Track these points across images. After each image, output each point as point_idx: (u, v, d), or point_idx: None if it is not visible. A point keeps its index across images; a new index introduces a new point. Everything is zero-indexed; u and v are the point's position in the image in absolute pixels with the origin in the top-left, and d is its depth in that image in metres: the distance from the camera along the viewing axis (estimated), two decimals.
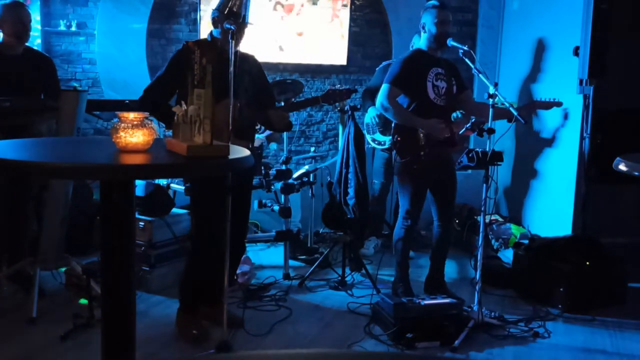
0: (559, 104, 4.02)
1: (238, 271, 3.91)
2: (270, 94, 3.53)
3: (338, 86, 3.70)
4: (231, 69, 2.81)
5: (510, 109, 3.44)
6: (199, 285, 3.31)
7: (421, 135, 3.65)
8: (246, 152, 2.07)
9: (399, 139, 3.73)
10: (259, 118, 3.37)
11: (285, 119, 3.38)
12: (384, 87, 3.68)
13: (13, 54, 3.76)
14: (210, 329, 3.27)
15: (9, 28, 3.71)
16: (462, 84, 3.89)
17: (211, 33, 3.28)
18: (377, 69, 4.94)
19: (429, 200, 3.86)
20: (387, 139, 4.72)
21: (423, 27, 3.72)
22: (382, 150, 4.83)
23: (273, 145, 4.46)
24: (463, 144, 3.63)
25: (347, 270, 4.22)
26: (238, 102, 3.14)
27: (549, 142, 4.85)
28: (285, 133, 4.74)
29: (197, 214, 3.28)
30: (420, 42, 3.77)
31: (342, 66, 5.75)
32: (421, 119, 3.64)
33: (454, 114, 3.89)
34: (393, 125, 3.77)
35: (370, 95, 4.84)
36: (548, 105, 4.03)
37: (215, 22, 3.21)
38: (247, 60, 3.33)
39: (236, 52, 2.99)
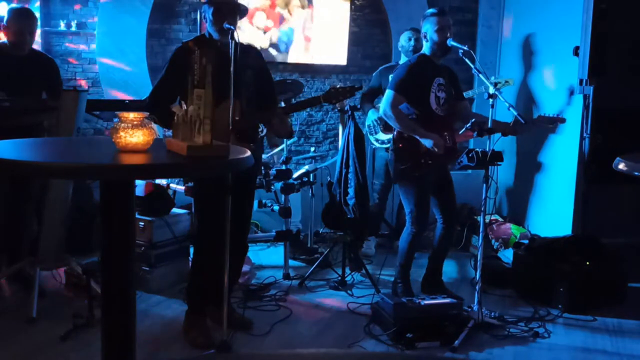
0: (562, 120, 3.99)
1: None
2: (272, 91, 3.39)
3: (340, 84, 3.62)
4: (232, 68, 2.79)
5: (511, 109, 3.44)
6: (207, 287, 3.25)
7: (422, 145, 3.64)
8: (246, 152, 2.07)
9: (400, 145, 3.72)
10: (261, 118, 3.24)
11: (286, 124, 3.23)
12: (388, 94, 3.68)
13: (19, 54, 3.76)
14: (215, 332, 3.18)
15: (11, 35, 3.71)
16: (460, 95, 3.91)
17: (208, 30, 3.17)
18: (374, 73, 4.91)
19: (431, 203, 3.86)
20: (390, 137, 4.70)
21: (425, 37, 3.72)
22: (386, 149, 4.78)
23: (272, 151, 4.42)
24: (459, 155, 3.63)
25: (347, 270, 4.21)
26: (239, 101, 3.07)
27: (549, 142, 4.85)
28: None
29: (204, 215, 3.20)
30: (424, 49, 3.77)
31: (342, 66, 5.75)
32: (423, 130, 3.63)
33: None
34: (395, 131, 3.77)
35: (368, 98, 4.82)
36: (552, 120, 3.99)
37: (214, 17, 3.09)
38: (248, 53, 3.18)
39: (237, 45, 2.92)
